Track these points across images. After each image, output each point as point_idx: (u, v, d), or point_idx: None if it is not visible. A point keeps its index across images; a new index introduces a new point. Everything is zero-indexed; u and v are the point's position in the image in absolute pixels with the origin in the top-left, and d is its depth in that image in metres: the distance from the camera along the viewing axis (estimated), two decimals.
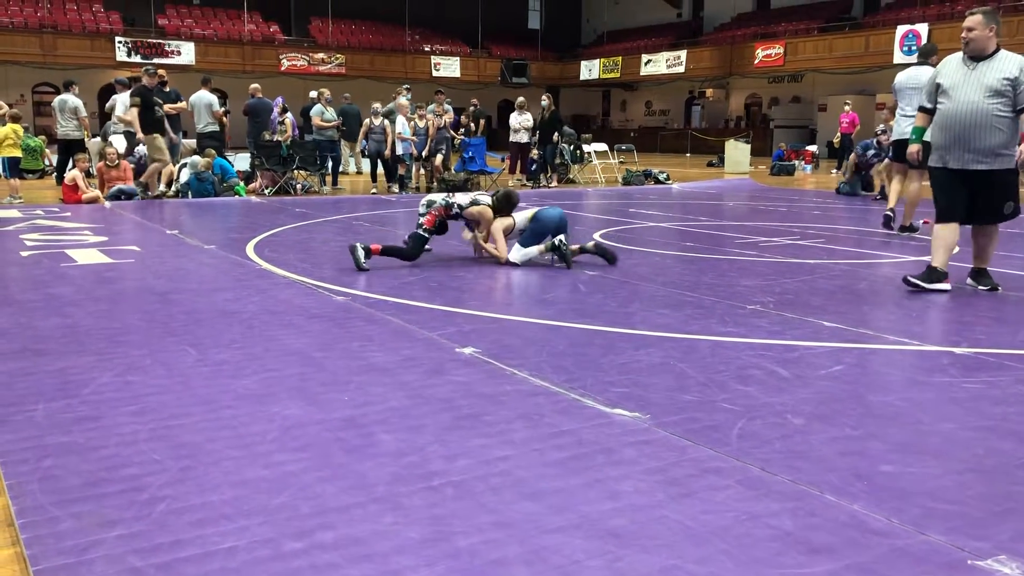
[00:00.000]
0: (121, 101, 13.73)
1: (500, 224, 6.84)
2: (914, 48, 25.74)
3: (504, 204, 6.89)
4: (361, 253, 6.39)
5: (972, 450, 2.90)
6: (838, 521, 2.35)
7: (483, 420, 3.11)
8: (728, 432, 3.02)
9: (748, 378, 3.67)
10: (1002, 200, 5.65)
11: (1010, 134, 5.49)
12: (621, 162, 20.20)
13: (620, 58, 36.65)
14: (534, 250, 6.72)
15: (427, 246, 6.86)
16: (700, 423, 3.11)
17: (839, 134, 20.67)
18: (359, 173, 16.08)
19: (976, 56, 5.55)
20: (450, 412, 3.19)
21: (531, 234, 6.76)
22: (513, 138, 16.67)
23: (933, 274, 5.71)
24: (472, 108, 16.38)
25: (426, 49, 36.52)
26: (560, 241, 6.66)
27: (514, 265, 6.58)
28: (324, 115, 14.49)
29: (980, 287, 5.82)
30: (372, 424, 3.05)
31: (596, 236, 8.55)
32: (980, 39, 5.52)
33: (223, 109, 14.18)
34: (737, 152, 22.39)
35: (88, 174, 11.92)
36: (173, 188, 12.86)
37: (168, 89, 13.89)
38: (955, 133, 5.55)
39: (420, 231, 6.67)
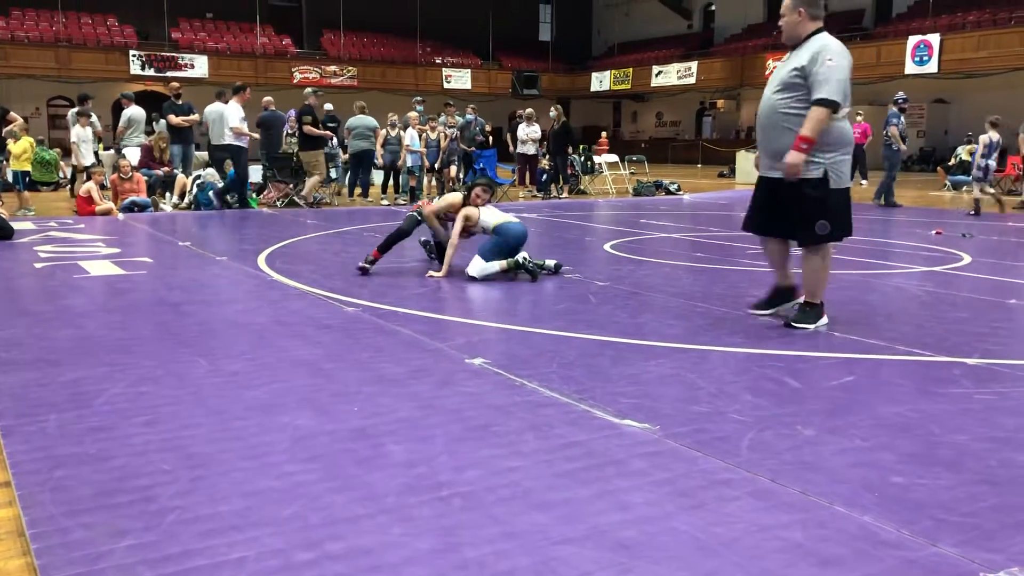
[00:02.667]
0: (137, 114, 13.82)
1: (465, 212, 6.77)
2: (926, 59, 25.71)
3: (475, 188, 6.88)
4: (366, 263, 6.70)
5: (985, 461, 2.88)
6: (849, 533, 2.34)
7: (492, 431, 3.11)
8: (738, 443, 3.01)
9: (758, 389, 3.66)
10: (803, 216, 4.69)
11: (820, 137, 4.60)
12: (632, 173, 20.20)
13: (631, 69, 36.68)
14: (495, 266, 6.55)
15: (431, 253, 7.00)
16: (710, 434, 3.10)
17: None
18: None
19: (792, 44, 4.80)
20: (460, 423, 3.19)
21: (492, 247, 6.59)
22: (520, 149, 16.70)
23: (813, 309, 4.94)
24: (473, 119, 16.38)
25: (437, 61, 36.66)
26: (524, 258, 6.52)
27: (471, 278, 6.45)
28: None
29: (759, 310, 5.09)
30: (382, 435, 3.06)
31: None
32: (789, 25, 4.78)
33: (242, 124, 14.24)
34: (748, 163, 22.33)
35: (102, 187, 11.99)
36: (185, 200, 12.94)
37: (181, 102, 14.01)
38: (759, 135, 4.93)
39: (415, 213, 6.89)
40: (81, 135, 13.02)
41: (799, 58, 4.67)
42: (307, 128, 13.16)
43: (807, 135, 4.55)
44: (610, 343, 4.48)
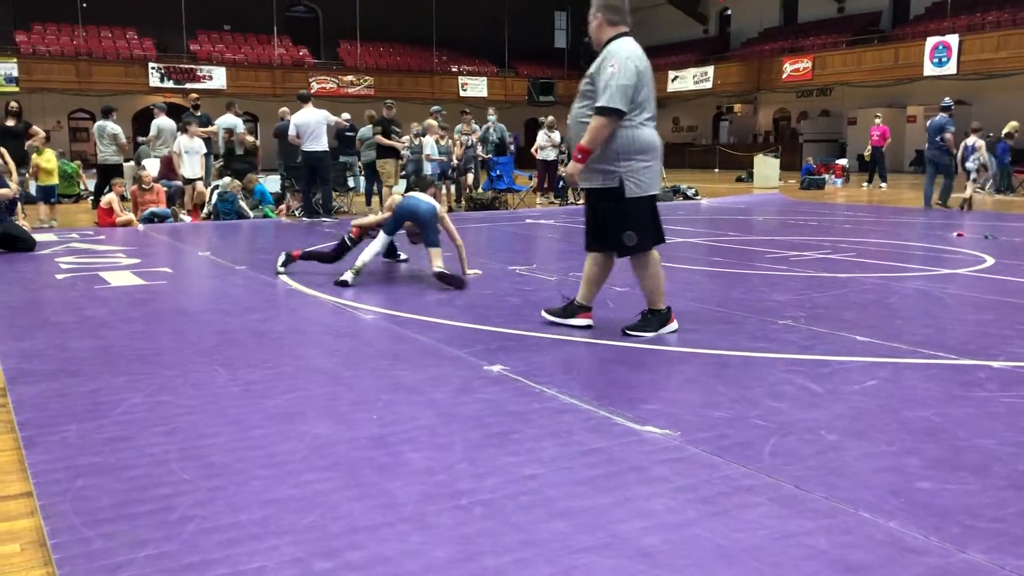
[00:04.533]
0: (165, 126, 13.91)
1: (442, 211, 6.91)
2: (944, 60, 25.52)
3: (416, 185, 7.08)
4: (281, 259, 7.07)
5: (1013, 466, 2.83)
6: (874, 539, 2.30)
7: (512, 438, 3.09)
8: (760, 449, 2.97)
9: (780, 394, 3.63)
10: (606, 227, 4.66)
11: (611, 145, 4.51)
12: None
13: None
14: (373, 250, 6.74)
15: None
16: (732, 440, 3.07)
17: (870, 147, 20.49)
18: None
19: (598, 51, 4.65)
20: (478, 430, 3.18)
21: (390, 225, 6.81)
22: (540, 155, 16.66)
23: (568, 307, 4.99)
24: (491, 124, 16.34)
25: (453, 69, 36.78)
26: (439, 269, 6.44)
27: (347, 283, 6.51)
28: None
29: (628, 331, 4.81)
30: (400, 443, 3.05)
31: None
32: (592, 31, 4.65)
33: (245, 131, 14.33)
34: (766, 167, 22.26)
35: (123, 198, 12.09)
36: (204, 211, 13.01)
37: (200, 113, 14.11)
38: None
39: (346, 238, 7.13)
40: (187, 145, 12.71)
41: (593, 66, 4.56)
42: (378, 138, 13.80)
43: (583, 144, 4.52)
44: (630, 349, 4.46)
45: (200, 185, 12.84)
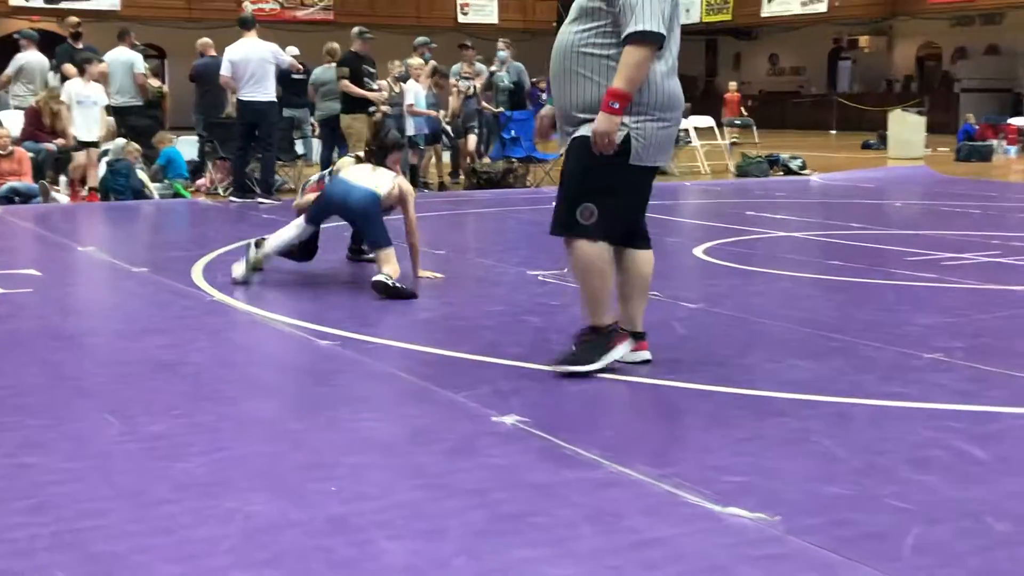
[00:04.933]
0: (34, 63, 14.03)
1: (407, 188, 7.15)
2: None
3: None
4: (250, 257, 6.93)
5: None
6: None
7: (532, 522, 3.09)
8: (898, 543, 2.97)
9: (927, 461, 3.62)
10: (575, 191, 4.69)
11: (604, 86, 4.53)
12: (734, 143, 20.17)
13: None
14: (288, 234, 6.96)
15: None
16: (856, 529, 3.06)
17: None
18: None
19: None
20: (483, 509, 3.18)
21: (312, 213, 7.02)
22: None
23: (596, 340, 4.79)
24: (499, 63, 16.31)
25: None
26: (383, 278, 6.52)
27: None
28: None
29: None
30: (371, 527, 3.06)
31: (697, 253, 8.50)
32: None
33: (147, 72, 14.42)
34: (906, 128, 22.19)
35: None
36: (87, 186, 13.11)
37: (80, 46, 14.22)
38: (552, 87, 4.90)
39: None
40: (81, 93, 12.57)
41: None
42: (344, 84, 13.29)
43: (620, 87, 4.46)
44: (705, 392, 4.45)
45: (92, 152, 12.89)
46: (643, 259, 4.90)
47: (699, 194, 14.87)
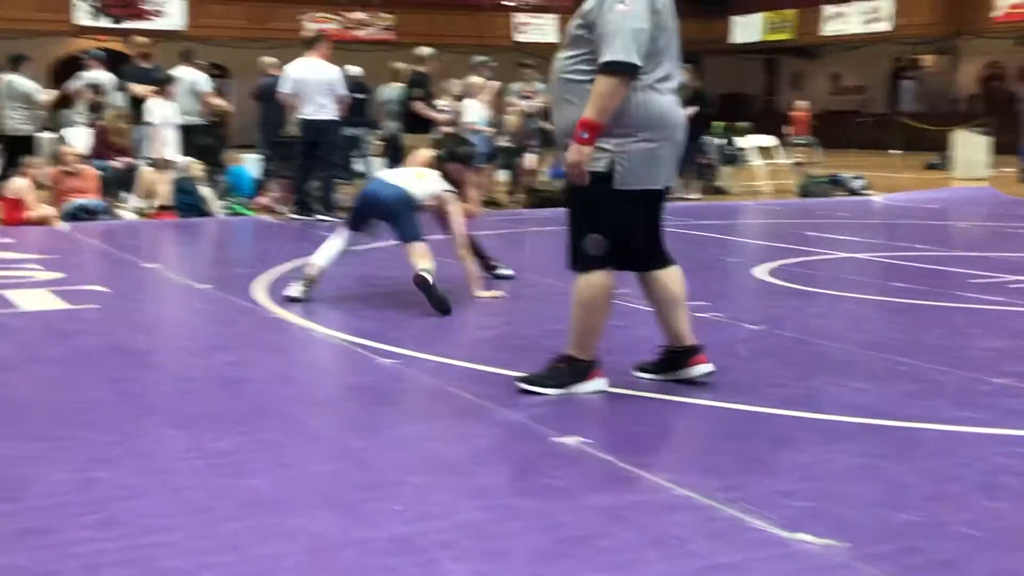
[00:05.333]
0: (89, 80, 14.25)
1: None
2: None
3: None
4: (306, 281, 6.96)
5: None
6: None
7: (597, 546, 3.08)
8: (968, 571, 2.94)
9: (999, 488, 3.57)
10: (578, 225, 4.70)
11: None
12: (796, 163, 20.02)
13: (793, 12, 36.45)
14: (335, 246, 7.03)
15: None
16: (926, 556, 3.03)
17: None
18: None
19: None
20: (548, 532, 3.17)
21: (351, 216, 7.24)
22: None
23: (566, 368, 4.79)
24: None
25: (507, 4, 37.07)
26: (425, 273, 6.56)
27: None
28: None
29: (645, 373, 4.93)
30: (435, 547, 3.06)
31: (758, 273, 8.44)
32: None
33: (211, 92, 14.58)
34: (970, 148, 21.94)
35: (38, 185, 12.36)
36: (156, 202, 13.26)
37: (151, 65, 14.41)
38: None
39: None
40: (163, 114, 12.84)
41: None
42: (418, 106, 13.50)
43: (589, 117, 4.44)
44: (770, 416, 4.43)
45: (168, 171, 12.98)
46: (669, 278, 4.84)
47: (760, 214, 14.77)
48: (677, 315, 4.85)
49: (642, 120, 4.51)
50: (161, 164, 12.54)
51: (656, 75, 4.53)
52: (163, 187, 12.69)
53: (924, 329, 6.32)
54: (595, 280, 4.69)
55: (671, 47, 4.60)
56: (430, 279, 6.46)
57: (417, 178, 7.09)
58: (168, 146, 12.62)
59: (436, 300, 6.46)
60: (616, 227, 4.64)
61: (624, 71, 4.39)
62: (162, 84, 12.87)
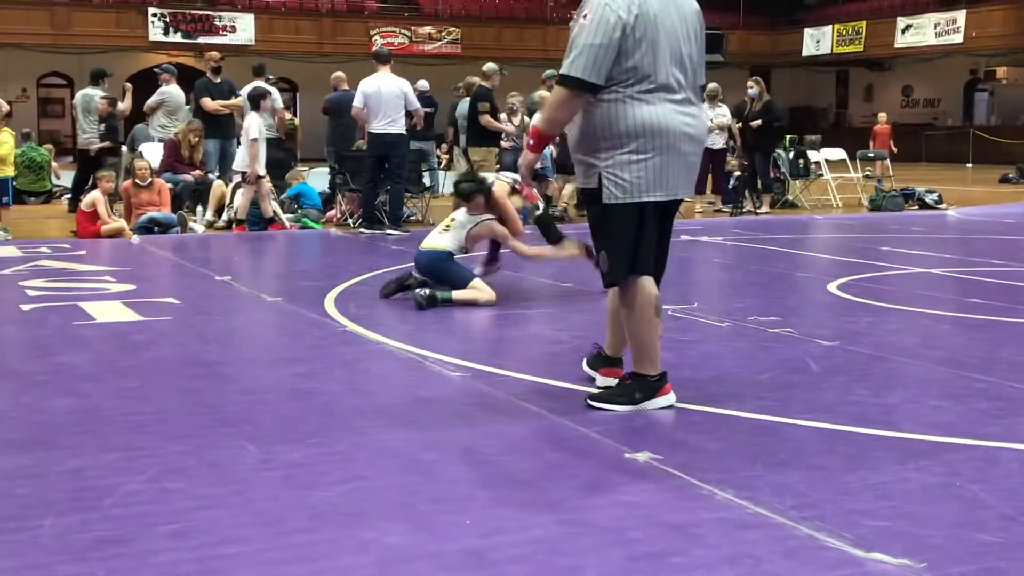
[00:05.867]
0: (176, 95, 14.50)
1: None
2: None
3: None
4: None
5: None
6: None
7: (670, 562, 3.07)
8: None
9: None
10: (594, 244, 4.86)
11: (588, 128, 4.61)
12: (867, 176, 19.84)
13: (864, 23, 36.18)
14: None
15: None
16: None
17: None
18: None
19: None
20: (620, 549, 3.17)
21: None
22: None
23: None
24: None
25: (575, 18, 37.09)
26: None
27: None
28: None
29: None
30: (507, 562, 3.06)
31: (831, 288, 8.36)
32: None
33: (281, 107, 14.75)
34: None
35: (112, 197, 12.57)
36: (224, 216, 13.44)
37: (220, 80, 14.63)
38: None
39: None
40: (259, 127, 12.88)
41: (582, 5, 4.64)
42: (485, 120, 13.68)
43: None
44: (844, 433, 4.38)
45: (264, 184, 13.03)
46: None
47: (831, 228, 14.65)
48: (651, 337, 4.76)
49: (628, 131, 4.52)
50: (253, 179, 12.66)
51: (642, 86, 4.52)
52: (265, 201, 12.87)
53: (1002, 346, 6.22)
54: (630, 293, 4.68)
55: (663, 56, 4.53)
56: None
57: (441, 232, 7.62)
58: (261, 161, 12.75)
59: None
60: (608, 239, 4.67)
61: (571, 85, 4.49)
62: (257, 100, 12.99)
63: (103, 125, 14.31)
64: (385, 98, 12.18)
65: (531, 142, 4.73)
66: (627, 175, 4.54)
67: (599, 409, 4.68)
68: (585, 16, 4.49)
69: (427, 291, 7.25)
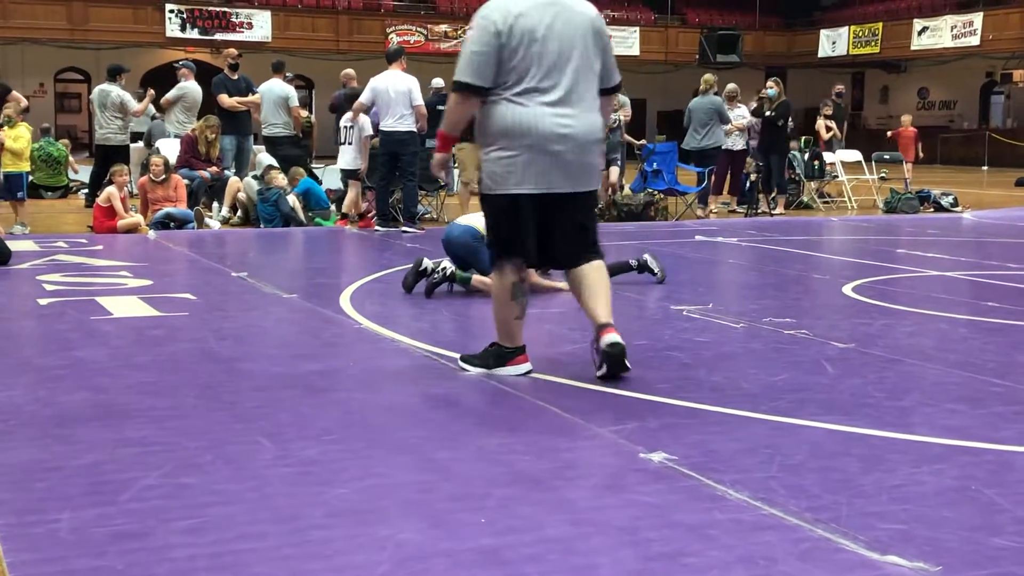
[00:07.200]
0: (194, 91, 14.54)
1: None
2: None
3: None
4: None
5: None
6: None
7: (684, 563, 3.07)
8: None
9: None
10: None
11: (477, 128, 5.29)
12: (882, 178, 19.80)
13: (880, 25, 36.10)
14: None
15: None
16: None
17: None
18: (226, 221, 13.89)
19: None
20: (634, 548, 3.17)
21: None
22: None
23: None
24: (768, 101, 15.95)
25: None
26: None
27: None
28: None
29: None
30: (521, 561, 3.07)
31: (847, 291, 8.35)
32: None
33: (302, 108, 14.79)
34: None
35: (128, 193, 12.62)
36: (239, 212, 13.48)
37: (237, 76, 14.67)
38: None
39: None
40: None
41: None
42: None
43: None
44: (859, 436, 4.37)
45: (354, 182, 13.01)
46: (579, 275, 5.30)
47: (847, 230, 14.63)
48: (592, 299, 5.25)
49: (499, 131, 5.08)
50: (363, 177, 12.96)
51: (517, 88, 5.04)
52: (354, 196, 12.98)
53: (1018, 349, 6.21)
54: (496, 275, 5.30)
55: (538, 62, 5.01)
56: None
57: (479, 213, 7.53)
58: (354, 158, 12.90)
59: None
60: (499, 228, 5.23)
61: (458, 89, 5.12)
62: (351, 100, 13.09)
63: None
64: (393, 96, 12.21)
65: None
66: (498, 169, 5.11)
67: (463, 367, 5.37)
68: (470, 28, 5.14)
69: (445, 265, 7.47)
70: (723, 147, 15.73)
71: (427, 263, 7.70)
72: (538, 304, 7.44)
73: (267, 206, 13.00)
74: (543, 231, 5.20)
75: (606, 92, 5.37)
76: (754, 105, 16.25)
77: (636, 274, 8.42)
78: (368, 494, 3.61)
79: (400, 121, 12.23)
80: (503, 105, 5.04)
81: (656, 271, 8.42)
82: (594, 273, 5.31)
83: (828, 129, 18.53)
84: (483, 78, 5.00)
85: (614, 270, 8.24)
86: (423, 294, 7.63)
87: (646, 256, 8.53)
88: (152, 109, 15.74)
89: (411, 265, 7.88)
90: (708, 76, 16.33)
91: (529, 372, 5.32)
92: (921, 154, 21.46)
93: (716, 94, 15.79)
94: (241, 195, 13.46)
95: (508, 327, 5.27)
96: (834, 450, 4.19)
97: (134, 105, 14.48)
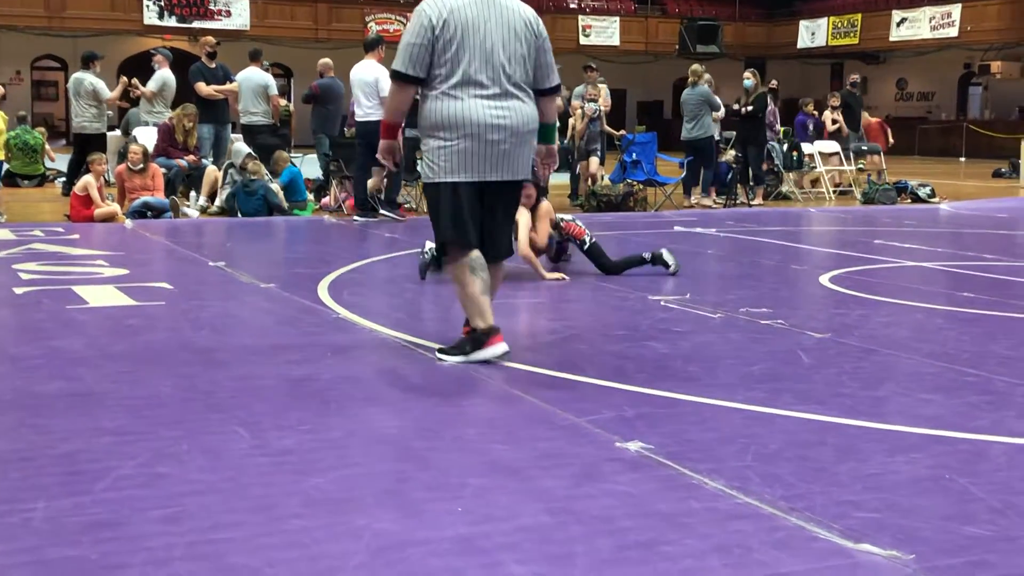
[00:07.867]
0: (171, 80, 14.48)
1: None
2: None
3: None
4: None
5: None
6: None
7: (659, 551, 3.08)
8: None
9: None
10: None
11: (419, 120, 5.50)
12: (860, 169, 19.84)
13: (859, 16, 36.18)
14: None
15: None
16: (994, 571, 2.99)
17: None
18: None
19: None
20: (610, 537, 3.18)
21: None
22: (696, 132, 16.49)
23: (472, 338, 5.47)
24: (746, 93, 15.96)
25: (571, 7, 37.09)
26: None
27: None
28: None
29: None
30: (497, 549, 3.07)
31: (823, 281, 8.38)
32: None
33: (280, 95, 14.76)
34: None
35: (106, 181, 12.56)
36: (217, 202, 13.43)
37: (215, 65, 14.60)
38: None
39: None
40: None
41: None
42: None
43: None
44: (834, 425, 4.40)
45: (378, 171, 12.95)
46: (493, 271, 5.46)
47: (825, 221, 14.67)
48: (472, 295, 5.35)
49: (435, 123, 5.28)
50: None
51: (451, 82, 5.23)
52: (376, 181, 12.88)
53: (992, 340, 6.24)
54: (450, 259, 5.43)
55: (472, 56, 5.21)
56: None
57: None
58: None
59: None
60: (439, 214, 5.35)
61: (395, 78, 5.34)
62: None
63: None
64: (360, 85, 12.21)
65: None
66: (437, 159, 5.31)
67: (443, 359, 5.37)
68: (410, 19, 5.28)
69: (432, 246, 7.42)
70: (715, 137, 15.84)
71: (429, 244, 7.66)
72: (513, 293, 7.46)
73: (254, 199, 12.89)
74: (481, 220, 5.38)
75: (545, 93, 5.49)
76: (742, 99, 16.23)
77: (650, 267, 8.41)
78: (345, 484, 3.61)
79: (372, 110, 12.18)
80: (439, 100, 5.23)
81: (671, 264, 8.36)
82: (499, 274, 5.61)
83: (834, 122, 18.52)
84: (417, 68, 5.22)
85: (626, 264, 8.26)
86: (417, 276, 7.78)
87: (662, 250, 8.48)
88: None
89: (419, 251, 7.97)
90: (695, 67, 16.32)
91: (507, 353, 5.34)
92: (891, 140, 21.48)
93: (707, 84, 15.82)
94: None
95: (477, 303, 5.29)
96: (809, 439, 4.21)
97: (107, 93, 14.41)
